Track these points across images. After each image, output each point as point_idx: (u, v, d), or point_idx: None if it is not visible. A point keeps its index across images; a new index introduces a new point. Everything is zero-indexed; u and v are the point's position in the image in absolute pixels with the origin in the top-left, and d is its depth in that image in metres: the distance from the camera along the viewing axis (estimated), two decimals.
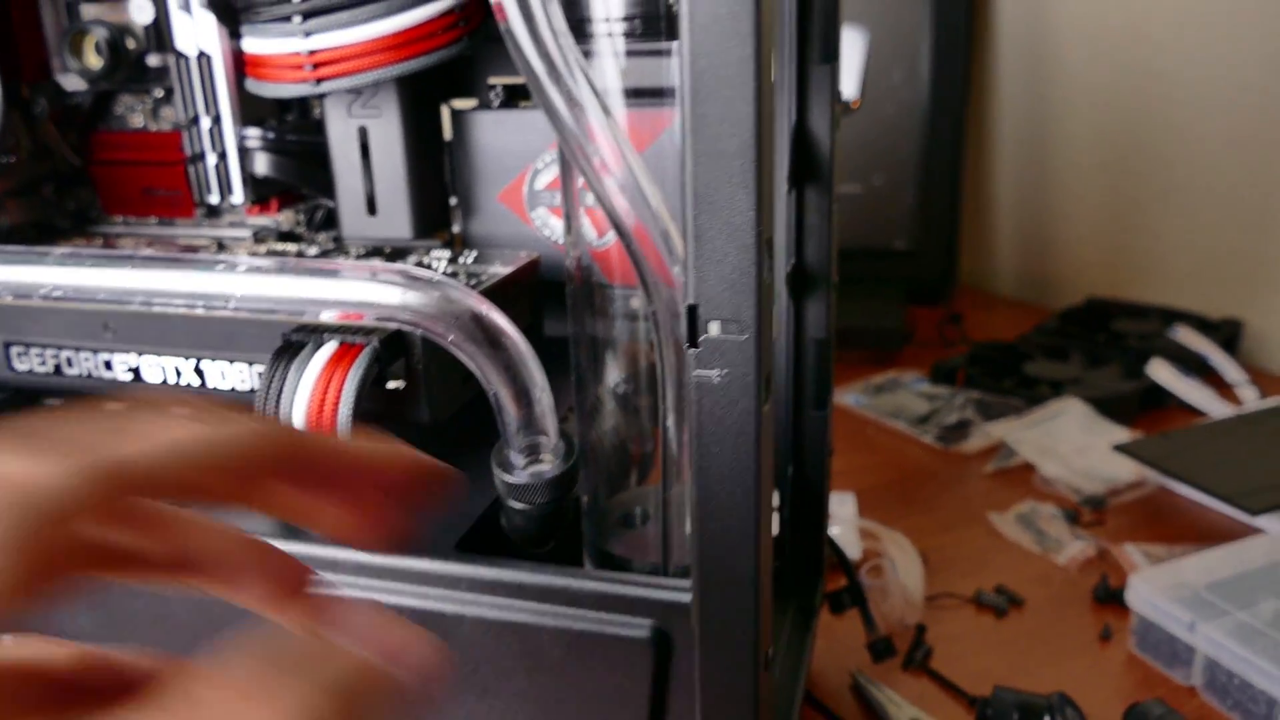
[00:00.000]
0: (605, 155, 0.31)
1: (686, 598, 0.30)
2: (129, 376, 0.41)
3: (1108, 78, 1.01)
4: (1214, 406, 0.76)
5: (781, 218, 0.42)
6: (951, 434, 0.76)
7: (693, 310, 0.26)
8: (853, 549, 0.61)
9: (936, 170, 1.06)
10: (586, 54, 0.35)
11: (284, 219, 0.51)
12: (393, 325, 0.35)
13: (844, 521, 0.63)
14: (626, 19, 0.33)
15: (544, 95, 0.31)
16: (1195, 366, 0.80)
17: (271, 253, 0.48)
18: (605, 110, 0.31)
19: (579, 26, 0.34)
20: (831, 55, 0.42)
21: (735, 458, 0.27)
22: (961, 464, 0.73)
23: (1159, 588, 0.50)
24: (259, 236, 0.51)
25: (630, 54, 0.35)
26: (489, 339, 0.32)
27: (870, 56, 1.06)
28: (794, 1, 0.41)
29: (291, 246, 0.49)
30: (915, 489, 0.70)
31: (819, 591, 0.49)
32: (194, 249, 0.49)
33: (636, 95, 0.36)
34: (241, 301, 0.33)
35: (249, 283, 0.33)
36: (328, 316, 0.36)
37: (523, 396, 0.33)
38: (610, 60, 0.35)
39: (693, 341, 0.26)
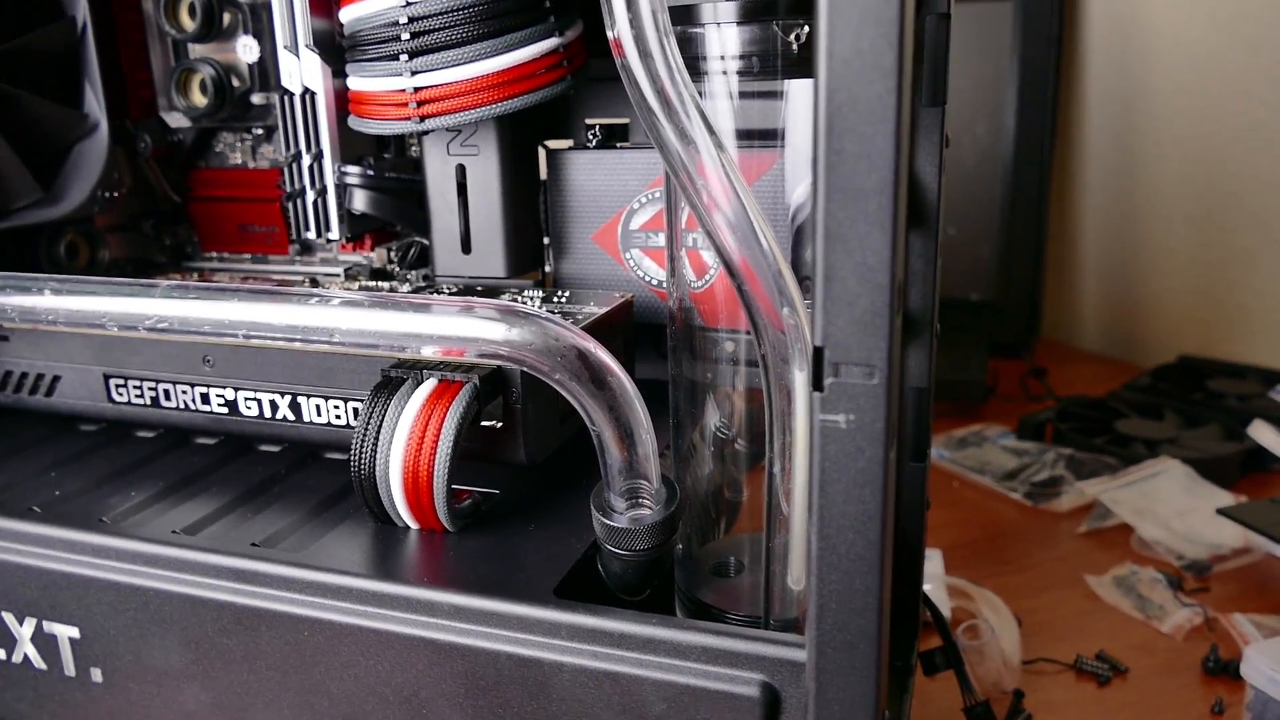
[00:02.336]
0: (715, 192, 0.31)
1: (798, 654, 0.29)
2: (225, 410, 0.41)
3: (1198, 129, 0.98)
4: None
5: None
6: (1041, 491, 0.73)
7: (819, 353, 0.25)
8: (942, 608, 0.59)
9: (1020, 222, 1.04)
10: (700, 91, 0.34)
11: (377, 256, 0.51)
12: (493, 362, 0.34)
13: (932, 578, 0.61)
14: (742, 57, 0.33)
15: (657, 130, 0.30)
16: None
17: (364, 289, 0.48)
18: (719, 145, 0.31)
19: (692, 63, 0.34)
20: (940, 98, 0.41)
21: (860, 508, 0.25)
22: (1052, 522, 0.70)
23: (1277, 661, 0.47)
24: (351, 273, 0.51)
25: (741, 95, 0.34)
26: (594, 377, 0.32)
27: (953, 106, 1.05)
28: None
29: (384, 284, 0.49)
30: (1004, 547, 0.68)
31: (914, 651, 0.47)
32: (287, 285, 0.49)
33: (744, 136, 0.35)
34: (345, 335, 0.32)
35: (352, 317, 0.33)
36: (429, 353, 0.35)
37: (627, 438, 0.32)
38: (721, 100, 0.34)
39: (818, 385, 0.25)
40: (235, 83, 0.49)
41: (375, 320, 0.32)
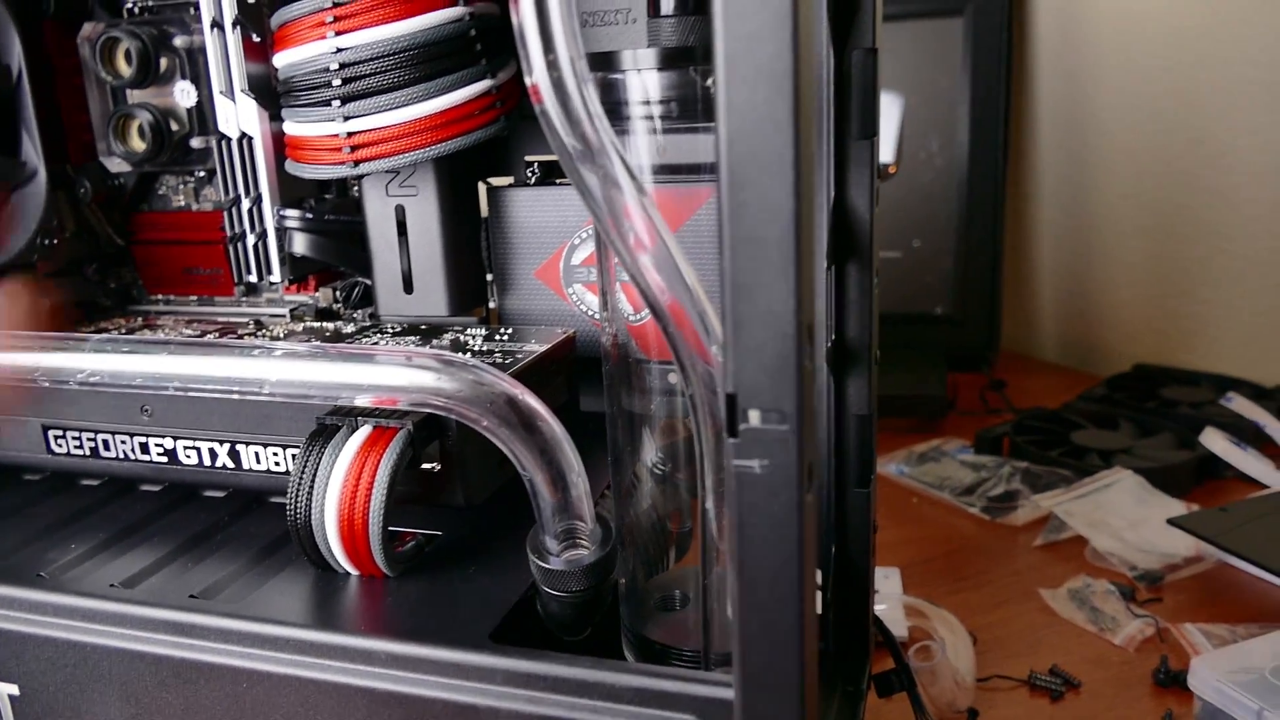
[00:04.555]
0: (641, 233, 0.31)
1: (726, 693, 0.29)
2: (165, 460, 0.41)
3: (1147, 142, 1.00)
4: (1272, 477, 0.73)
5: (821, 294, 0.41)
6: (998, 505, 0.74)
7: (731, 399, 0.25)
8: (898, 627, 0.59)
9: (977, 236, 1.05)
10: (622, 133, 0.35)
11: (322, 296, 0.51)
12: (427, 409, 0.34)
13: (889, 598, 0.62)
14: (663, 102, 0.33)
15: (578, 175, 0.31)
16: (1251, 436, 0.78)
17: (308, 330, 0.48)
18: (640, 189, 0.31)
19: (615, 108, 0.34)
20: (870, 131, 0.42)
21: (779, 551, 0.26)
22: (1010, 536, 0.71)
23: (1224, 672, 0.48)
24: (296, 314, 0.51)
25: (667, 131, 0.35)
26: (523, 423, 0.32)
27: (908, 122, 1.06)
28: (832, 77, 0.41)
29: (329, 325, 0.49)
30: (963, 563, 0.68)
31: (866, 674, 0.48)
32: (232, 327, 0.49)
33: (673, 171, 0.35)
34: (275, 387, 0.32)
35: (282, 368, 0.33)
36: (363, 401, 0.35)
37: (558, 481, 0.33)
38: (646, 138, 0.35)
39: (732, 431, 0.25)
40: (174, 127, 0.49)
41: (303, 371, 0.32)
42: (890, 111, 1.08)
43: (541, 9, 0.30)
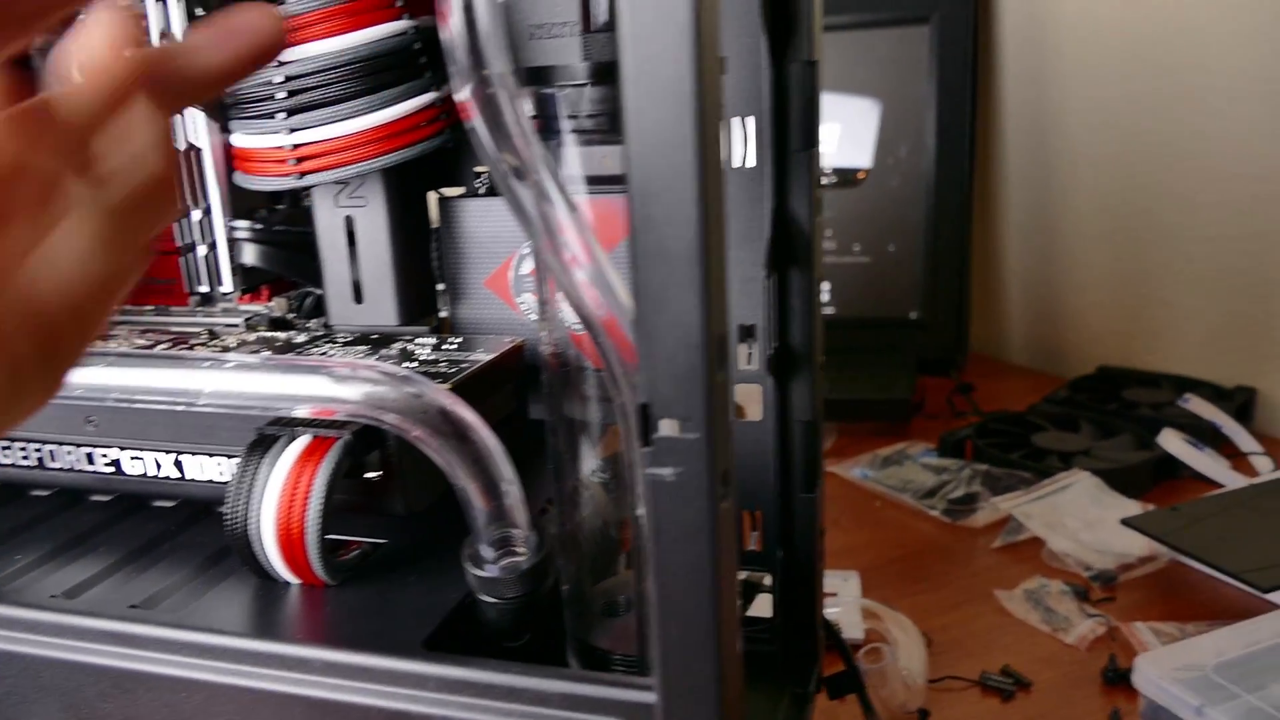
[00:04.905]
0: (574, 249, 0.31)
1: (649, 697, 0.29)
2: (110, 470, 0.41)
3: (1111, 148, 1.01)
4: (1227, 477, 0.74)
5: (759, 302, 0.42)
6: (959, 508, 0.74)
7: (644, 409, 0.26)
8: (855, 629, 0.60)
9: (944, 240, 1.06)
10: (559, 145, 0.35)
11: (276, 306, 0.51)
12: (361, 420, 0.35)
13: (847, 601, 0.62)
14: (598, 115, 0.34)
15: (511, 192, 0.31)
16: (1208, 436, 0.79)
17: (261, 340, 0.48)
18: (572, 205, 0.32)
19: (550, 122, 0.35)
20: (810, 142, 0.42)
21: (692, 558, 0.26)
22: (969, 539, 0.72)
23: (1167, 669, 0.49)
24: (251, 324, 0.51)
25: (606, 142, 0.35)
26: (456, 433, 0.32)
27: (880, 128, 1.07)
28: (770, 90, 0.41)
29: (281, 335, 0.49)
30: (922, 566, 0.69)
31: (814, 677, 0.48)
32: (185, 337, 0.49)
33: (616, 181, 0.36)
34: (210, 398, 0.33)
35: (217, 379, 0.33)
36: (301, 411, 0.36)
37: (491, 490, 0.33)
38: (585, 150, 0.35)
39: (645, 440, 0.26)
40: None
41: (238, 383, 0.33)
42: (867, 117, 1.09)
43: (471, 24, 0.30)
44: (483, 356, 0.44)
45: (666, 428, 0.25)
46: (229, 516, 0.35)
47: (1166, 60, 0.94)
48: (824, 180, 1.10)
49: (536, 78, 0.34)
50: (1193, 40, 0.92)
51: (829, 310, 1.10)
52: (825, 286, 1.10)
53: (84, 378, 0.35)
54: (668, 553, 0.26)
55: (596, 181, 0.35)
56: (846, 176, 1.09)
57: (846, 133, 1.10)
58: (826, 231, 1.10)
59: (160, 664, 0.34)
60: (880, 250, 1.09)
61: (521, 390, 0.47)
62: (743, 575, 0.49)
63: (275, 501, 0.35)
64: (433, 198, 0.49)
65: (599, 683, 0.30)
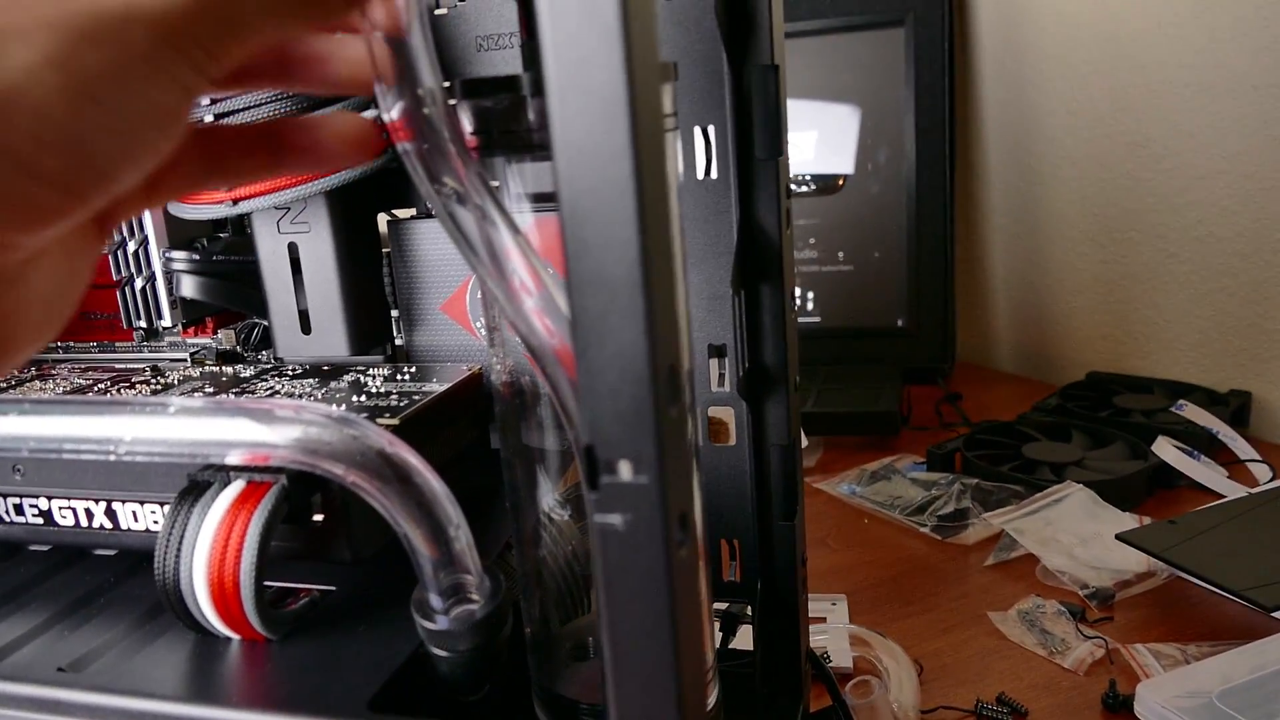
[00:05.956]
0: (521, 274, 0.29)
1: None
2: (41, 521, 0.39)
3: (1091, 148, 0.99)
4: (1225, 486, 0.72)
5: (728, 321, 0.39)
6: (949, 524, 0.72)
7: (589, 451, 0.23)
8: (844, 658, 0.57)
9: (927, 246, 1.04)
10: (504, 161, 0.33)
11: (224, 339, 0.49)
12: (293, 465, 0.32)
13: (834, 627, 0.60)
14: (536, 130, 0.31)
15: (449, 217, 0.29)
16: (1203, 443, 0.77)
17: (206, 375, 0.46)
18: (516, 228, 0.29)
19: (490, 136, 0.32)
20: (776, 150, 0.40)
21: (648, 612, 0.24)
22: (960, 556, 0.69)
23: (1170, 697, 0.46)
24: (197, 358, 0.49)
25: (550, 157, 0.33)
26: (397, 476, 0.30)
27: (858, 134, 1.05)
28: (731, 96, 0.39)
29: (228, 369, 0.47)
30: (912, 587, 0.67)
31: (800, 713, 0.46)
32: (127, 375, 0.47)
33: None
34: (131, 446, 0.30)
35: (140, 425, 0.31)
36: (232, 457, 0.33)
37: (437, 535, 0.30)
38: (525, 167, 0.33)
39: (592, 485, 0.23)
40: None
41: (161, 428, 0.30)
42: (847, 124, 1.07)
43: (398, 37, 0.28)
44: (437, 387, 0.41)
45: (614, 471, 0.23)
46: (159, 569, 0.33)
47: (1145, 57, 0.92)
48: (803, 188, 1.08)
49: (474, 90, 0.32)
50: (1171, 35, 0.90)
51: (813, 320, 1.08)
52: (810, 296, 1.08)
53: (4, 427, 0.33)
54: (620, 608, 0.24)
55: (544, 199, 0.33)
56: (826, 183, 1.07)
57: (824, 139, 1.08)
58: (809, 240, 1.07)
59: None
60: (863, 258, 1.07)
61: (482, 420, 0.45)
62: (724, 606, 0.47)
63: (207, 552, 0.32)
64: (383, 219, 0.46)
65: None
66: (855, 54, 1.06)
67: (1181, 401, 0.81)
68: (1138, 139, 0.94)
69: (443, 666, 0.33)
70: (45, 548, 0.43)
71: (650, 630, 0.24)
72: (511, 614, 0.34)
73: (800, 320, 1.08)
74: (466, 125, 0.32)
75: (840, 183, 1.07)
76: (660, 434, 0.23)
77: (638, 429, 0.23)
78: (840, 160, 1.08)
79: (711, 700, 0.37)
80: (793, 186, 1.07)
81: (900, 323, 1.06)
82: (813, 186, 1.08)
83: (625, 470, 0.23)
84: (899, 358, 1.04)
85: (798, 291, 1.08)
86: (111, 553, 0.42)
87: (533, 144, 0.32)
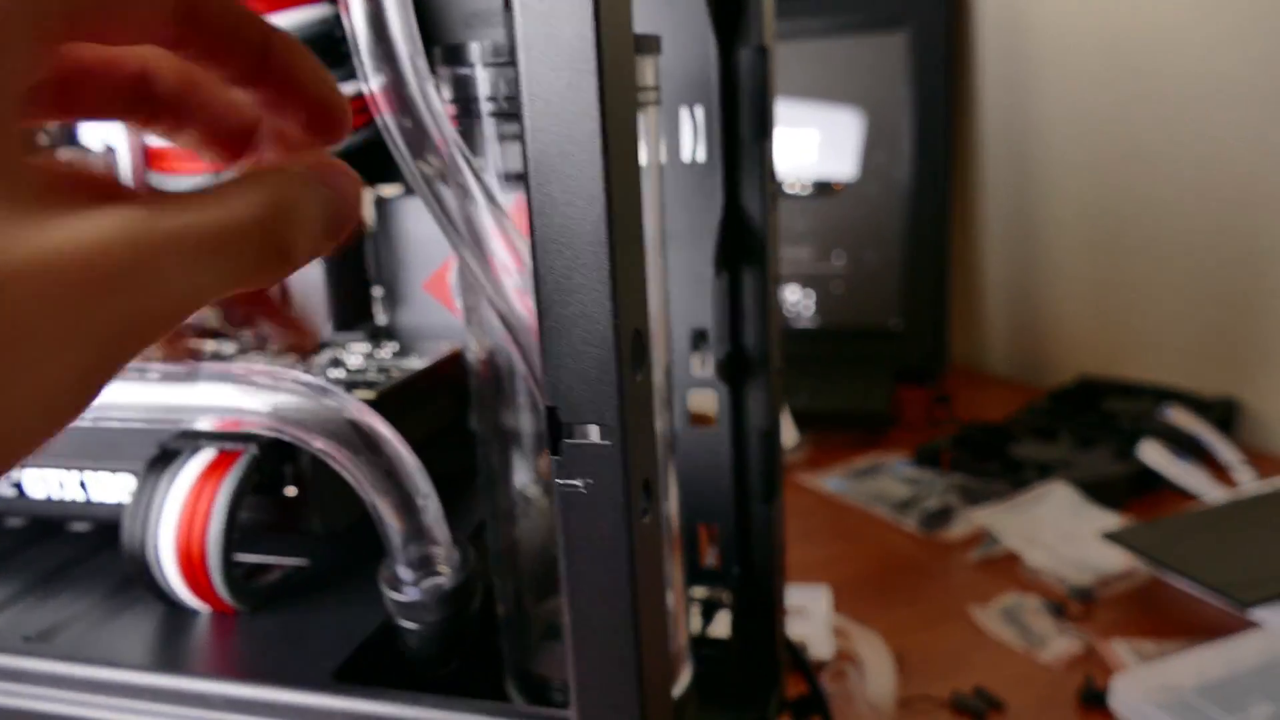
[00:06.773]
0: (501, 253, 0.29)
1: None
2: (13, 492, 0.39)
3: (1089, 155, 0.99)
4: (1208, 490, 0.72)
5: (707, 302, 0.39)
6: (934, 520, 0.72)
7: (552, 413, 0.23)
8: (825, 648, 0.57)
9: (923, 248, 1.04)
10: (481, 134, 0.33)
11: (206, 313, 0.49)
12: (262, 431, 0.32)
13: (817, 618, 0.60)
14: (509, 98, 0.31)
15: (430, 195, 0.28)
16: (1189, 447, 0.77)
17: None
18: (498, 205, 0.29)
19: (468, 105, 0.32)
20: (763, 133, 0.40)
21: (607, 577, 0.24)
22: (944, 553, 0.69)
23: (1145, 691, 0.46)
24: (177, 331, 0.48)
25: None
26: (366, 445, 0.30)
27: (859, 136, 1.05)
28: (717, 75, 0.39)
29: (210, 343, 0.46)
30: (895, 581, 0.66)
31: (775, 700, 0.46)
32: None
33: None
34: (96, 411, 0.30)
35: (117, 390, 0.31)
36: (207, 424, 0.33)
37: (406, 505, 0.30)
38: (494, 144, 0.33)
39: (554, 449, 0.23)
40: (42, 140, 0.46)
41: (124, 394, 0.30)
42: (851, 128, 1.07)
43: (376, 9, 0.27)
44: (416, 364, 0.41)
45: (577, 434, 0.23)
46: (126, 538, 0.33)
47: (1144, 65, 0.92)
48: (802, 191, 1.08)
49: (455, 57, 0.32)
50: (1170, 44, 0.90)
51: (807, 320, 1.07)
52: (805, 295, 1.08)
53: None
54: (581, 573, 0.24)
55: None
56: (825, 187, 1.07)
57: (826, 140, 1.08)
58: (806, 241, 1.07)
59: (51, 700, 0.32)
60: (859, 259, 1.07)
61: (464, 398, 0.44)
62: (703, 593, 0.47)
63: (175, 521, 0.32)
64: (367, 196, 0.46)
65: (513, 714, 0.28)
66: (855, 56, 1.05)
67: (1168, 406, 0.81)
68: (1134, 146, 0.94)
69: (410, 639, 0.33)
70: (19, 521, 0.42)
71: (610, 595, 0.24)
72: (481, 590, 0.34)
73: (796, 320, 1.08)
74: (448, 96, 0.31)
75: (838, 187, 1.07)
76: (623, 396, 0.23)
77: (602, 391, 0.22)
78: (841, 163, 1.07)
79: (684, 681, 0.37)
80: (792, 190, 1.07)
81: (893, 323, 1.06)
82: (811, 190, 1.07)
83: (588, 433, 0.23)
84: (892, 358, 1.04)
85: (797, 292, 1.08)
86: (86, 527, 0.41)
87: (509, 113, 0.32)
